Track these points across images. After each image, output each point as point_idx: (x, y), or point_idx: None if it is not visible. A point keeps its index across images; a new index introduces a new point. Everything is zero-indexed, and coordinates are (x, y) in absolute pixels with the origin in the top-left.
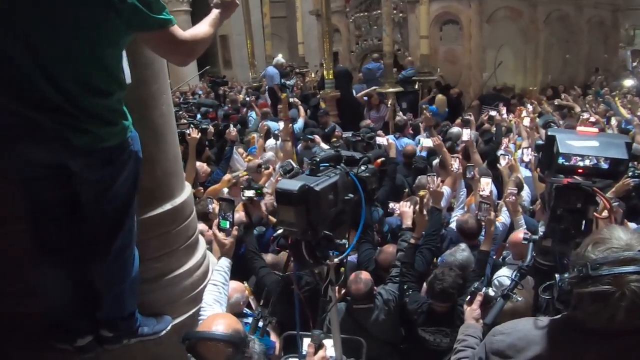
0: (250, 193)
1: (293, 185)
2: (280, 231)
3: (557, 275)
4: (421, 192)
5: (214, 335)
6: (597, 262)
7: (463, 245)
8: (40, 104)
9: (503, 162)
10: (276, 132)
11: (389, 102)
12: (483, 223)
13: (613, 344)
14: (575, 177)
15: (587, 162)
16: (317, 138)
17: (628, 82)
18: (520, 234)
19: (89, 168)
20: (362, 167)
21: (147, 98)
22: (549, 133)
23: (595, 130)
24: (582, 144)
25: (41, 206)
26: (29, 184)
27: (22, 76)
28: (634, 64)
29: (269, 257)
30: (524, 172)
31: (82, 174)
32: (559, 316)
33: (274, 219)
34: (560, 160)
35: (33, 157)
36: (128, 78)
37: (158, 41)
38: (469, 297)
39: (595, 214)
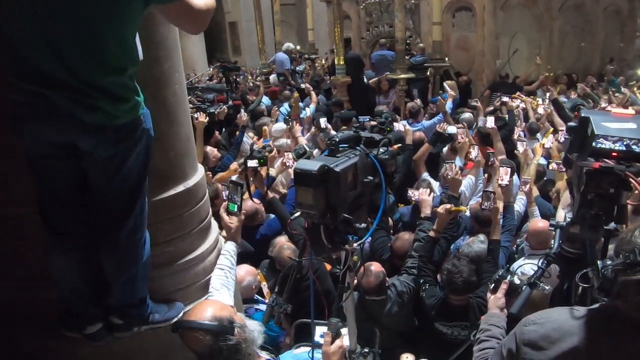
0: (253, 163)
1: (312, 165)
2: (297, 214)
3: (599, 262)
4: (462, 208)
5: (191, 324)
6: None
7: (482, 237)
8: (49, 81)
9: (521, 149)
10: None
11: (398, 89)
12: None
13: None
14: (606, 160)
15: (621, 146)
16: (329, 126)
17: None
18: (539, 222)
19: (100, 146)
20: (382, 149)
21: (159, 77)
22: (583, 114)
23: (632, 112)
24: (619, 126)
25: (50, 188)
26: (39, 163)
27: (31, 53)
28: None
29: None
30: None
31: (92, 153)
32: (596, 305)
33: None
34: (595, 143)
35: (42, 135)
36: (140, 54)
37: (177, 12)
38: (492, 285)
39: (628, 200)
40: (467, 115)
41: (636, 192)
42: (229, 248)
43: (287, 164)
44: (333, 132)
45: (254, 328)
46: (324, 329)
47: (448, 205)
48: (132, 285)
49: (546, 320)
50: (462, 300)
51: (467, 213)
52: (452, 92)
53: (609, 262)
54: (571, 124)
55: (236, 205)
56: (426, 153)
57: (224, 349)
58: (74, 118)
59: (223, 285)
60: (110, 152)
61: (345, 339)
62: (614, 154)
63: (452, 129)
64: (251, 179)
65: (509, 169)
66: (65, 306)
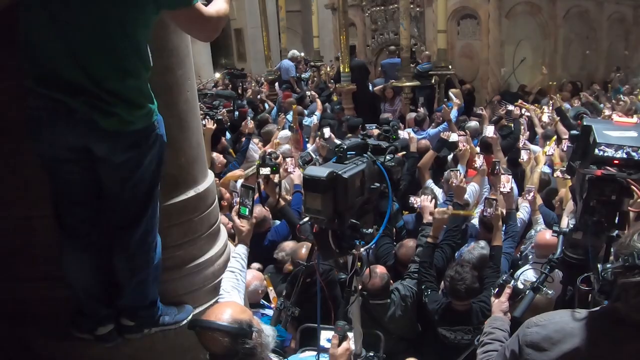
0: (266, 171)
1: (321, 172)
2: (306, 219)
3: (599, 265)
4: (471, 212)
5: (211, 324)
6: None
7: (482, 243)
8: (67, 86)
9: (525, 157)
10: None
11: (403, 96)
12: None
13: None
14: (608, 168)
15: (622, 154)
16: (333, 136)
17: None
18: (547, 234)
19: (115, 151)
20: (388, 157)
21: (172, 84)
22: (585, 123)
23: (635, 120)
24: (620, 134)
25: (65, 190)
26: (54, 167)
27: (49, 59)
28: None
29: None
30: (544, 169)
31: (107, 157)
32: (597, 308)
33: None
34: (597, 151)
35: (59, 139)
36: (150, 60)
37: (187, 19)
38: (496, 289)
39: (629, 207)
40: (473, 123)
41: (638, 199)
42: (240, 251)
43: (289, 170)
44: (337, 141)
45: (269, 333)
46: (329, 334)
47: (447, 209)
48: (144, 287)
49: (548, 322)
50: (465, 305)
51: (473, 221)
52: (456, 100)
53: (608, 265)
54: (574, 132)
55: (248, 209)
56: (430, 160)
57: (240, 352)
58: (91, 123)
59: (234, 288)
60: (124, 157)
61: (351, 343)
62: (615, 161)
63: (453, 137)
64: (262, 185)
65: (510, 177)
66: (73, 306)
